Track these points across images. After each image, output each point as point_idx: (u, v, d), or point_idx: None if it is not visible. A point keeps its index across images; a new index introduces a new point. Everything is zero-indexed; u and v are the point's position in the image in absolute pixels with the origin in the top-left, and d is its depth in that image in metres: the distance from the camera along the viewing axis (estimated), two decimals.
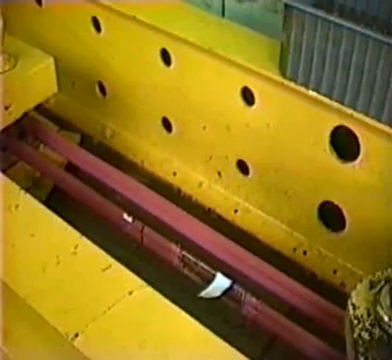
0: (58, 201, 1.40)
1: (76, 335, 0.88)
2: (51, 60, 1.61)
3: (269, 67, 1.20)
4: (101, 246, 1.01)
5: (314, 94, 1.14)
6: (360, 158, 1.16)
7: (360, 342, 0.90)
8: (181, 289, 1.17)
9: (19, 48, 1.43)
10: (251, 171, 1.39)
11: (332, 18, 1.04)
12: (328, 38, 1.07)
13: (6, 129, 1.42)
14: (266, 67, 1.21)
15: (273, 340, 1.20)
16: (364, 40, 1.02)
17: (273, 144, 1.30)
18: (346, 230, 1.27)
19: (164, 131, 1.53)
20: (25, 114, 1.44)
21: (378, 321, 0.91)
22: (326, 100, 1.13)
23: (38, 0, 1.59)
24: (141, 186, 1.41)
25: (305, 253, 1.34)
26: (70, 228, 1.04)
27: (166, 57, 1.38)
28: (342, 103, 1.11)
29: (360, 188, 1.19)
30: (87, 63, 1.58)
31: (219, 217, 1.46)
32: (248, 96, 1.28)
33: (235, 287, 1.18)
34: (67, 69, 1.64)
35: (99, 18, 1.48)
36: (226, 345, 0.89)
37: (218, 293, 1.19)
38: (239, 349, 0.88)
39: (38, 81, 1.45)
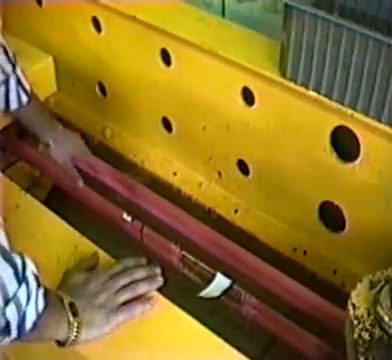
0: (58, 201, 1.39)
1: None
2: (50, 60, 1.61)
3: (269, 67, 1.20)
4: (101, 246, 1.02)
5: (314, 94, 1.14)
6: (360, 158, 1.16)
7: (360, 342, 0.90)
8: (181, 289, 1.17)
9: (19, 48, 1.43)
10: (251, 171, 1.39)
11: (332, 18, 1.04)
12: (328, 38, 1.07)
13: (6, 129, 1.42)
14: (266, 67, 1.21)
15: (273, 340, 1.20)
16: (364, 40, 1.02)
17: (273, 144, 1.30)
18: (346, 230, 1.27)
19: (164, 131, 1.53)
20: None
21: (378, 321, 0.91)
22: (326, 100, 1.13)
23: (38, 0, 1.59)
24: (141, 186, 1.41)
25: (305, 253, 1.34)
26: (70, 228, 1.05)
27: (166, 57, 1.38)
28: (342, 103, 1.11)
29: (360, 188, 1.19)
30: (87, 63, 1.58)
31: (219, 217, 1.46)
32: (248, 96, 1.28)
33: (235, 287, 1.18)
34: (67, 69, 1.64)
35: (99, 18, 1.48)
36: (226, 345, 0.89)
37: (218, 293, 1.19)
38: (239, 349, 0.88)
39: (37, 81, 1.45)
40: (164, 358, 0.87)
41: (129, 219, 1.32)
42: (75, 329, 0.84)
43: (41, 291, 0.82)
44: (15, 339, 0.78)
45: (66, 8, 1.51)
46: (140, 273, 0.95)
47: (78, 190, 1.44)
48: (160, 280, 0.95)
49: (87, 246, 1.01)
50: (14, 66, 1.13)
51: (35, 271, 0.80)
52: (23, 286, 0.77)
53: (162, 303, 0.93)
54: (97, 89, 1.63)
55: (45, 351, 0.91)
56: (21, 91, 1.15)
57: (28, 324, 0.79)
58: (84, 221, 1.22)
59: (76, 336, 0.84)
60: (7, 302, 0.75)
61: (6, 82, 1.12)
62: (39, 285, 0.81)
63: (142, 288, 0.93)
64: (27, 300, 0.78)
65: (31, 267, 0.80)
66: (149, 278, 0.95)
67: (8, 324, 0.76)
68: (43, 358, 0.98)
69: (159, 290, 0.95)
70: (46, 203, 1.16)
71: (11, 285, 0.75)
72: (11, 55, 1.13)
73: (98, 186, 1.43)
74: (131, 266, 0.96)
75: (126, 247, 1.31)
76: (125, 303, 0.90)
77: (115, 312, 0.88)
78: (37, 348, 0.91)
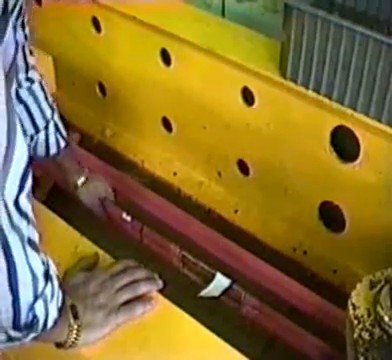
0: (58, 201, 1.39)
1: None
2: (50, 59, 1.61)
3: (269, 67, 1.20)
4: (101, 246, 1.01)
5: (314, 94, 1.14)
6: (360, 158, 1.16)
7: (360, 342, 0.90)
8: (181, 289, 1.17)
9: None
10: (251, 171, 1.39)
11: (332, 18, 1.04)
12: (328, 38, 1.07)
13: None
14: (266, 67, 1.21)
15: (273, 340, 1.20)
16: (364, 40, 1.02)
17: (273, 144, 1.30)
18: (346, 230, 1.27)
19: (164, 131, 1.53)
20: None
21: (378, 321, 0.91)
22: (326, 100, 1.13)
23: (38, 0, 1.59)
24: (141, 186, 1.41)
25: (305, 253, 1.34)
26: (70, 228, 1.04)
27: (166, 57, 1.38)
28: (342, 103, 1.11)
29: (360, 188, 1.19)
30: (87, 63, 1.59)
31: (219, 217, 1.46)
32: (248, 96, 1.28)
33: (235, 287, 1.18)
34: (67, 69, 1.64)
35: (99, 18, 1.48)
36: (226, 345, 0.89)
37: (218, 293, 1.19)
38: (239, 349, 0.88)
39: None
40: (164, 358, 0.87)
41: (128, 219, 1.32)
42: (75, 332, 0.84)
43: (61, 290, 0.83)
44: (36, 337, 0.79)
45: (66, 8, 1.51)
46: (141, 273, 0.95)
47: None
48: (160, 283, 0.95)
49: (87, 246, 1.01)
50: (53, 112, 1.15)
51: (56, 271, 0.81)
52: (49, 284, 0.78)
53: (162, 303, 0.93)
54: (97, 89, 1.63)
55: (46, 351, 0.91)
56: (59, 136, 1.17)
57: (50, 322, 0.80)
58: (84, 221, 1.22)
59: (75, 338, 0.85)
60: (36, 298, 0.76)
61: (46, 128, 1.14)
62: (60, 284, 0.83)
63: (143, 288, 0.93)
64: (51, 298, 0.79)
65: (53, 266, 0.81)
66: (150, 279, 0.95)
67: (35, 320, 0.77)
68: (44, 358, 0.98)
69: (159, 290, 0.95)
70: (46, 203, 1.16)
71: (41, 282, 0.77)
72: (51, 101, 1.15)
73: None
74: (131, 266, 0.96)
75: (126, 247, 1.31)
76: (125, 303, 0.90)
77: (115, 313, 0.88)
78: (37, 348, 0.91)
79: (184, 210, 1.36)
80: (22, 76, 1.08)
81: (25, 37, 1.02)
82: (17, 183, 0.71)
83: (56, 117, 1.17)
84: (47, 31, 1.62)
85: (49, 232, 1.03)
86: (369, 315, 0.92)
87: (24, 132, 1.12)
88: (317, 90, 1.13)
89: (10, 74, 0.72)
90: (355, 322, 0.91)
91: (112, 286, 0.91)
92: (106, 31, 1.49)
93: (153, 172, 1.56)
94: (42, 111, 1.13)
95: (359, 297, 0.94)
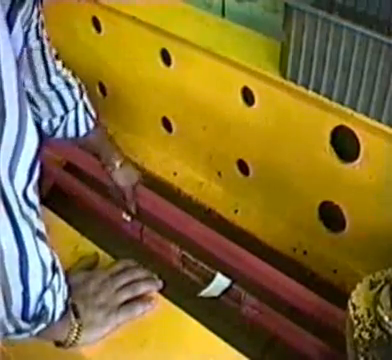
0: (58, 201, 1.39)
1: None
2: None
3: (269, 67, 1.20)
4: (101, 246, 1.02)
5: (314, 94, 1.14)
6: (360, 158, 1.16)
7: (360, 342, 0.90)
8: (181, 289, 1.17)
9: None
10: (251, 171, 1.39)
11: (332, 18, 1.04)
12: (328, 38, 1.07)
13: None
14: (266, 67, 1.21)
15: (273, 340, 1.20)
16: (364, 40, 1.02)
17: (273, 144, 1.30)
18: (346, 230, 1.27)
19: (164, 131, 1.53)
20: None
21: (378, 321, 0.91)
22: (326, 100, 1.13)
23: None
24: (141, 186, 1.41)
25: (305, 253, 1.34)
26: (70, 228, 1.04)
27: (166, 57, 1.38)
28: (342, 103, 1.11)
29: (360, 188, 1.19)
30: (87, 63, 1.58)
31: (219, 217, 1.46)
32: (248, 96, 1.28)
33: (235, 287, 1.18)
34: None
35: (99, 18, 1.48)
36: (226, 345, 0.89)
37: (218, 293, 1.19)
38: (239, 349, 0.88)
39: None
40: (164, 358, 0.87)
41: (128, 219, 1.32)
42: (75, 331, 0.84)
43: (67, 284, 0.83)
44: (42, 329, 0.79)
45: (66, 8, 1.51)
46: (140, 273, 0.95)
47: (78, 190, 1.44)
48: (160, 283, 0.95)
49: (87, 246, 1.01)
50: (82, 93, 1.16)
51: (60, 264, 0.82)
52: (56, 275, 0.79)
53: (162, 303, 0.93)
54: (97, 89, 1.63)
55: (45, 351, 0.91)
56: (88, 117, 1.17)
57: (57, 314, 0.80)
58: (84, 221, 1.22)
59: (76, 337, 0.85)
60: (45, 289, 0.76)
61: (75, 108, 1.15)
62: (66, 278, 0.83)
63: (143, 288, 0.93)
64: (58, 289, 0.80)
65: (57, 258, 0.81)
66: (149, 279, 0.95)
67: (43, 311, 0.77)
68: (43, 358, 0.98)
69: (159, 290, 0.95)
70: (46, 203, 1.16)
71: (49, 272, 0.77)
72: (79, 81, 1.16)
73: (98, 186, 1.42)
74: (131, 266, 0.96)
75: (126, 247, 1.31)
76: (126, 302, 0.90)
77: (115, 312, 0.88)
78: (37, 348, 0.91)
79: (184, 210, 1.36)
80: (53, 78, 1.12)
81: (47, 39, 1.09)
82: (26, 173, 0.72)
83: (85, 98, 1.18)
84: (47, 31, 1.62)
85: (49, 232, 1.03)
86: (369, 315, 0.92)
87: (53, 113, 1.13)
88: (317, 90, 1.13)
89: (19, 66, 0.72)
90: (355, 322, 0.91)
91: (112, 286, 0.91)
92: (106, 31, 1.49)
93: (153, 172, 1.56)
94: (72, 93, 1.14)
95: (359, 297, 0.94)
